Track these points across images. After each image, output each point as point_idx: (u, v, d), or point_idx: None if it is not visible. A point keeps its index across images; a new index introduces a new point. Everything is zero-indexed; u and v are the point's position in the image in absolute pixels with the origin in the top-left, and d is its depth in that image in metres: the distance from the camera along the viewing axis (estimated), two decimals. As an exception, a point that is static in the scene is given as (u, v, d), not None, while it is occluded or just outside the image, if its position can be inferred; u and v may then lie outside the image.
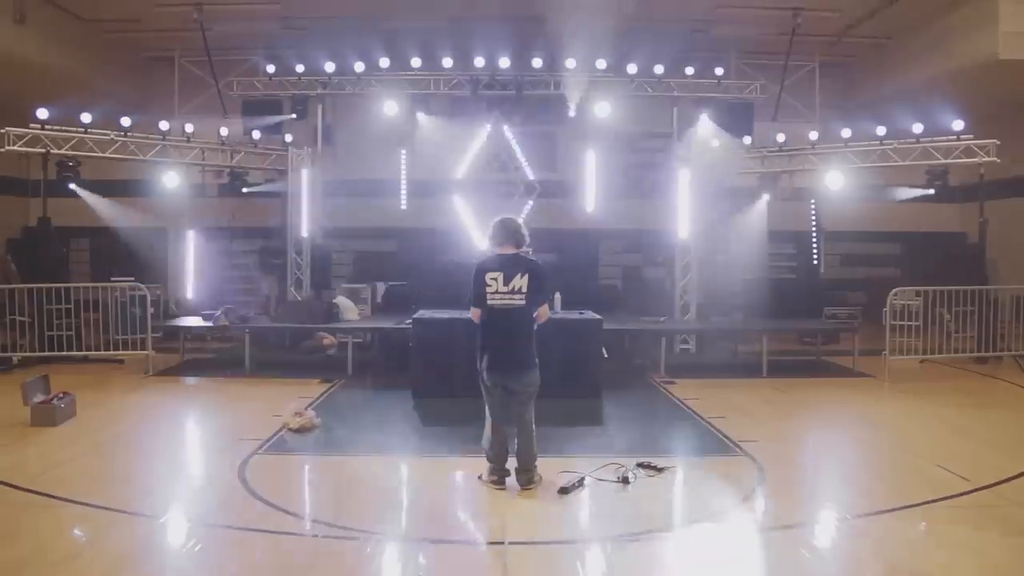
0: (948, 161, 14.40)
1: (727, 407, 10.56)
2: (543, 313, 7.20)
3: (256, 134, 16.06)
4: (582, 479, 7.14)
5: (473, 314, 7.17)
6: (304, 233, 16.07)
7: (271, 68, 16.10)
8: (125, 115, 14.53)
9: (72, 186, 14.66)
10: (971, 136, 14.12)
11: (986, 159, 14.04)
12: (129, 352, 13.33)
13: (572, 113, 16.21)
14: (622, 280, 19.98)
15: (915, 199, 16.11)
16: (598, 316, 11.70)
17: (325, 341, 14.71)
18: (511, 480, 7.10)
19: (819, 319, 15.49)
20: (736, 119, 16.14)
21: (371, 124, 16.35)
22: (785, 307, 16.66)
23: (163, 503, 6.80)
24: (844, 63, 19.37)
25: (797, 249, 19.62)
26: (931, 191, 15.21)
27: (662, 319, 15.19)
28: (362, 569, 5.57)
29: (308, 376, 12.70)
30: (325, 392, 11.63)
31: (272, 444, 8.64)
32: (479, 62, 15.64)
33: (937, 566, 5.51)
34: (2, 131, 13.62)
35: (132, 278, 14.14)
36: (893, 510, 6.56)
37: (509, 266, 7.07)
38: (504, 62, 15.60)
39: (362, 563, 5.63)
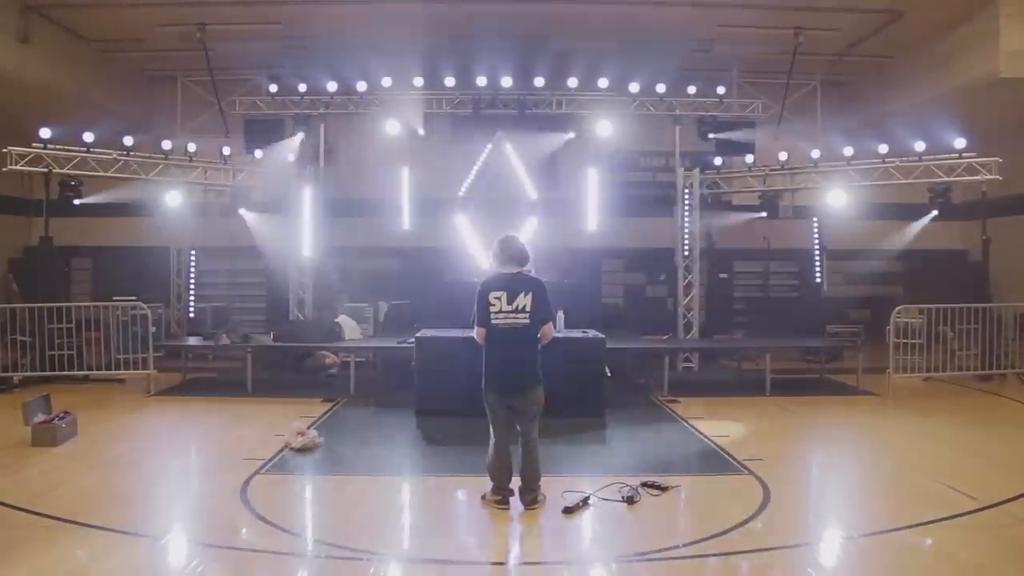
0: (950, 179, 14.41)
1: (731, 425, 10.54)
2: (547, 332, 7.18)
3: (258, 153, 16.08)
4: (586, 499, 7.09)
5: (477, 334, 7.15)
6: (307, 252, 16.05)
7: (273, 87, 16.13)
8: (127, 134, 14.56)
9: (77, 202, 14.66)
10: (973, 154, 14.13)
11: (988, 177, 14.05)
12: (130, 371, 13.31)
13: (574, 132, 16.22)
14: (624, 298, 19.94)
15: (918, 217, 16.11)
16: (601, 335, 11.68)
17: (327, 360, 14.68)
18: (515, 500, 7.06)
19: (822, 337, 15.45)
20: (738, 138, 16.14)
21: (373, 143, 16.37)
22: (788, 325, 16.65)
23: (165, 524, 6.76)
24: (846, 81, 19.40)
25: (799, 267, 19.60)
26: (933, 209, 15.19)
27: (665, 337, 15.16)
28: (365, 590, 5.53)
29: (310, 395, 12.66)
30: (327, 411, 11.60)
31: (274, 464, 8.60)
32: (481, 81, 15.67)
33: (946, 586, 5.47)
34: (4, 150, 13.64)
35: (134, 297, 14.14)
36: (900, 529, 6.52)
37: (513, 285, 7.06)
38: (506, 81, 15.62)
39: (365, 584, 5.59)
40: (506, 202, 17.03)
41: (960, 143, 14.19)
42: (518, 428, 7.14)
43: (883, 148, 14.77)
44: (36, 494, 7.30)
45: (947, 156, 14.33)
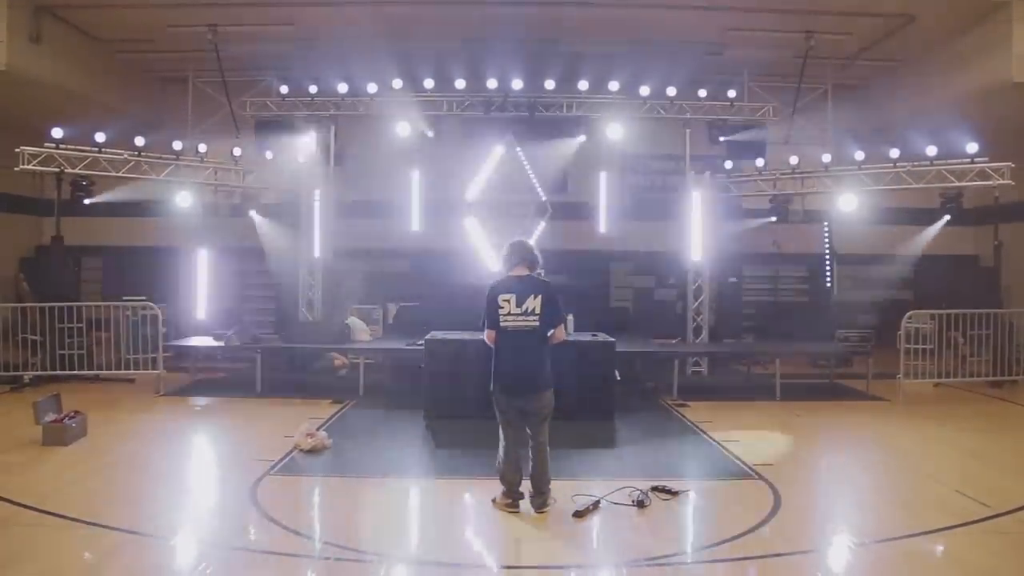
0: (962, 184, 14.31)
1: (741, 430, 10.49)
2: (558, 334, 7.17)
3: (269, 154, 16.10)
4: (597, 502, 7.07)
5: (487, 336, 7.14)
6: (316, 253, 16.06)
7: (284, 88, 16.11)
8: (139, 135, 14.57)
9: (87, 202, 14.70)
10: (985, 159, 14.04)
11: (1000, 182, 13.97)
12: (140, 371, 13.33)
13: (585, 135, 16.19)
14: (634, 302, 19.92)
15: (929, 222, 16.03)
16: (611, 338, 11.65)
17: (337, 362, 14.68)
18: (525, 503, 7.05)
19: (832, 342, 15.39)
20: (749, 141, 16.09)
21: (384, 145, 16.34)
22: (798, 330, 16.59)
23: (174, 524, 6.78)
24: (857, 85, 19.35)
25: (810, 272, 19.56)
26: (945, 215, 15.11)
27: (674, 341, 15.12)
28: (375, 593, 5.52)
29: (319, 397, 12.66)
30: (336, 413, 11.59)
31: (283, 465, 8.59)
32: (492, 83, 15.61)
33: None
34: (17, 150, 13.68)
35: (144, 297, 14.17)
36: (911, 536, 6.48)
37: (522, 288, 7.05)
38: (517, 84, 15.56)
39: (375, 587, 5.58)
40: (516, 204, 17.03)
41: (972, 148, 14.09)
42: (528, 431, 7.12)
43: (894, 152, 14.70)
44: (46, 493, 7.31)
45: (959, 161, 14.22)
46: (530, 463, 7.10)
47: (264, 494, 7.47)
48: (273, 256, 17.28)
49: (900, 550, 6.24)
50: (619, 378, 11.52)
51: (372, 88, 15.74)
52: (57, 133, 13.85)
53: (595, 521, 6.84)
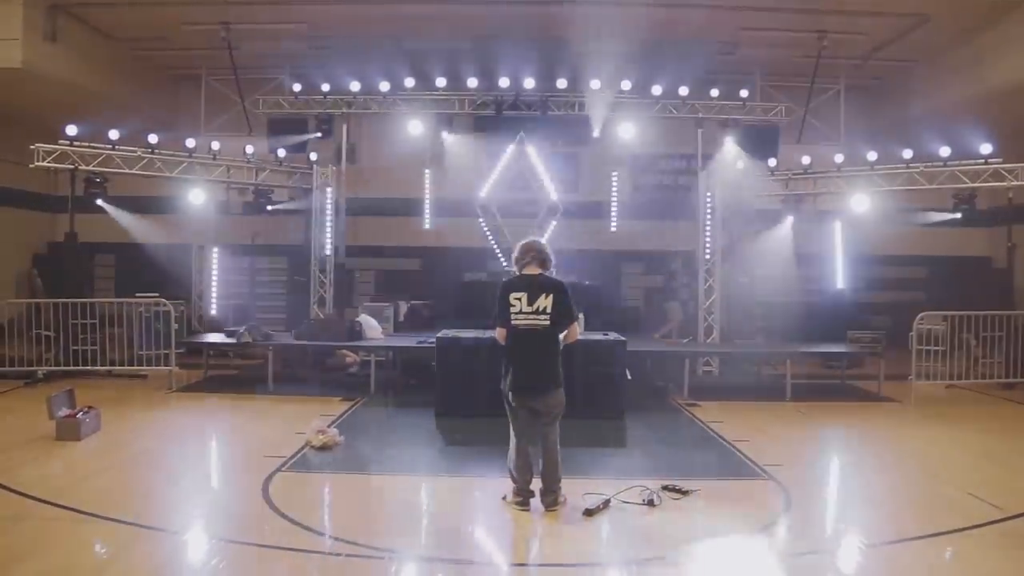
0: (976, 185, 14.25)
1: (751, 430, 10.47)
2: (573, 332, 7.16)
3: (281, 152, 16.16)
4: (607, 501, 7.07)
5: (498, 334, 7.14)
6: (328, 251, 16.11)
7: (297, 87, 16.18)
8: (152, 132, 14.65)
9: (99, 202, 14.77)
10: (999, 160, 13.97)
11: (1015, 183, 13.89)
12: (152, 368, 13.37)
13: (596, 134, 16.18)
14: (645, 301, 19.89)
15: (941, 223, 15.95)
16: (622, 337, 11.65)
17: (348, 359, 14.71)
18: (535, 501, 7.05)
19: (843, 343, 15.34)
20: (761, 141, 16.05)
21: (396, 143, 16.38)
22: (809, 330, 16.53)
23: (186, 519, 6.81)
24: (870, 85, 19.29)
25: (821, 272, 19.49)
26: (958, 215, 15.04)
27: (685, 341, 15.10)
28: (386, 589, 5.53)
29: (330, 394, 12.69)
30: (348, 410, 11.62)
31: (295, 462, 8.62)
32: (504, 82, 15.66)
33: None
34: (32, 147, 13.78)
35: (156, 294, 14.23)
36: (922, 538, 6.45)
37: (533, 287, 7.04)
38: (529, 82, 15.61)
39: (386, 583, 5.60)
40: (527, 203, 17.04)
41: (986, 148, 14.02)
42: (539, 429, 7.12)
43: (907, 153, 14.66)
44: (60, 487, 7.35)
45: (972, 161, 14.16)
46: (540, 461, 7.10)
47: (276, 490, 7.50)
48: (285, 254, 17.36)
49: (911, 552, 6.21)
50: (630, 377, 11.51)
51: (384, 87, 15.80)
52: (71, 130, 13.96)
53: (605, 520, 6.83)
